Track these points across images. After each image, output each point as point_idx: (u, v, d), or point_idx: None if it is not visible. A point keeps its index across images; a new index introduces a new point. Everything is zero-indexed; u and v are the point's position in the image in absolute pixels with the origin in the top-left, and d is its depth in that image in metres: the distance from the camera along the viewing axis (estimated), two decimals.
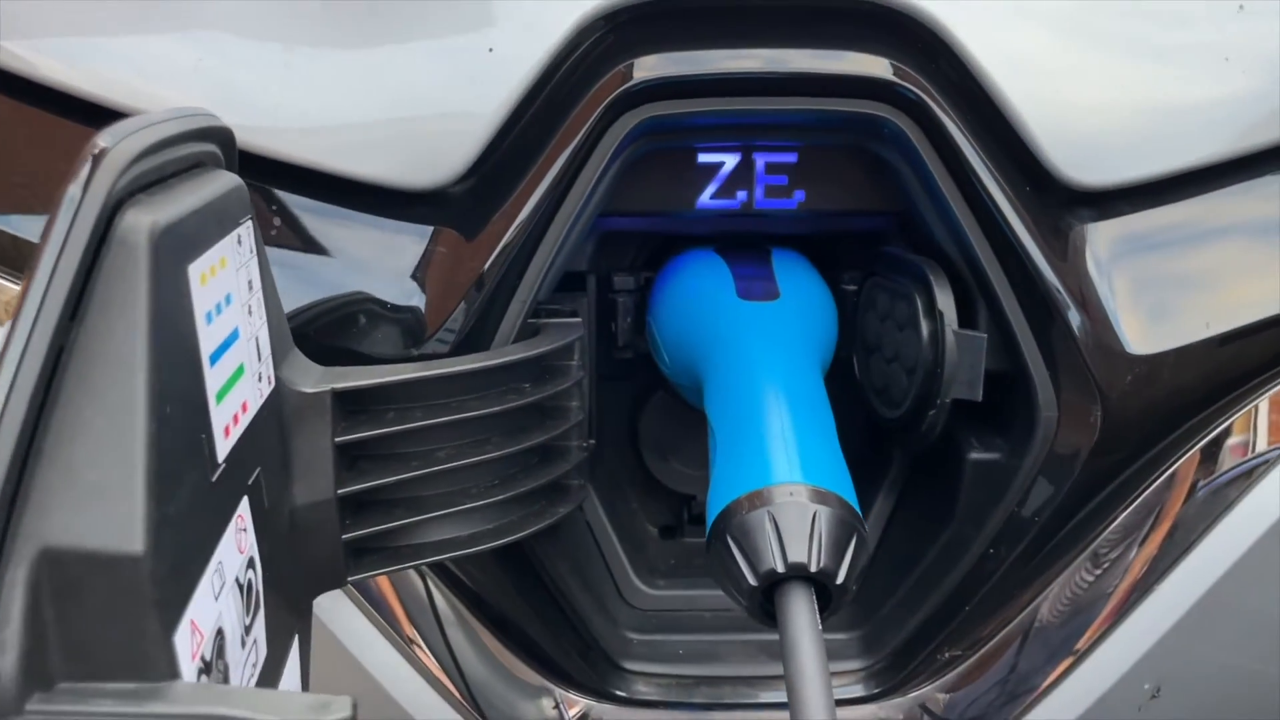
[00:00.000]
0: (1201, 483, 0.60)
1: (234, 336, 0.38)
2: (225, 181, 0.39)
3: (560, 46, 0.55)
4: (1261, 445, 0.60)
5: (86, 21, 0.55)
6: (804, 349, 0.61)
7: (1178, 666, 0.61)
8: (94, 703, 0.29)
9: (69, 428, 0.29)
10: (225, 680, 0.35)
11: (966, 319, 0.60)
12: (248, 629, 0.39)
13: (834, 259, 0.74)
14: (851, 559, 0.45)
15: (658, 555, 0.77)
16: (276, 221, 0.55)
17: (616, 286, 0.72)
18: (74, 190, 0.29)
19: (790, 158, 0.64)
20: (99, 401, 0.29)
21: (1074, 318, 0.56)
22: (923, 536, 0.67)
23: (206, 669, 0.33)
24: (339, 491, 0.48)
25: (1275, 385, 0.60)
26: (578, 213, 0.57)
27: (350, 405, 0.49)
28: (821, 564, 0.44)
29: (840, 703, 0.65)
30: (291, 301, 0.55)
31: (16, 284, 0.54)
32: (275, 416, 0.44)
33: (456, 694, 0.62)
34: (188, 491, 0.32)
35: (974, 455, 0.62)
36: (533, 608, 0.65)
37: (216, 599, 0.35)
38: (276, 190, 0.55)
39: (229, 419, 0.37)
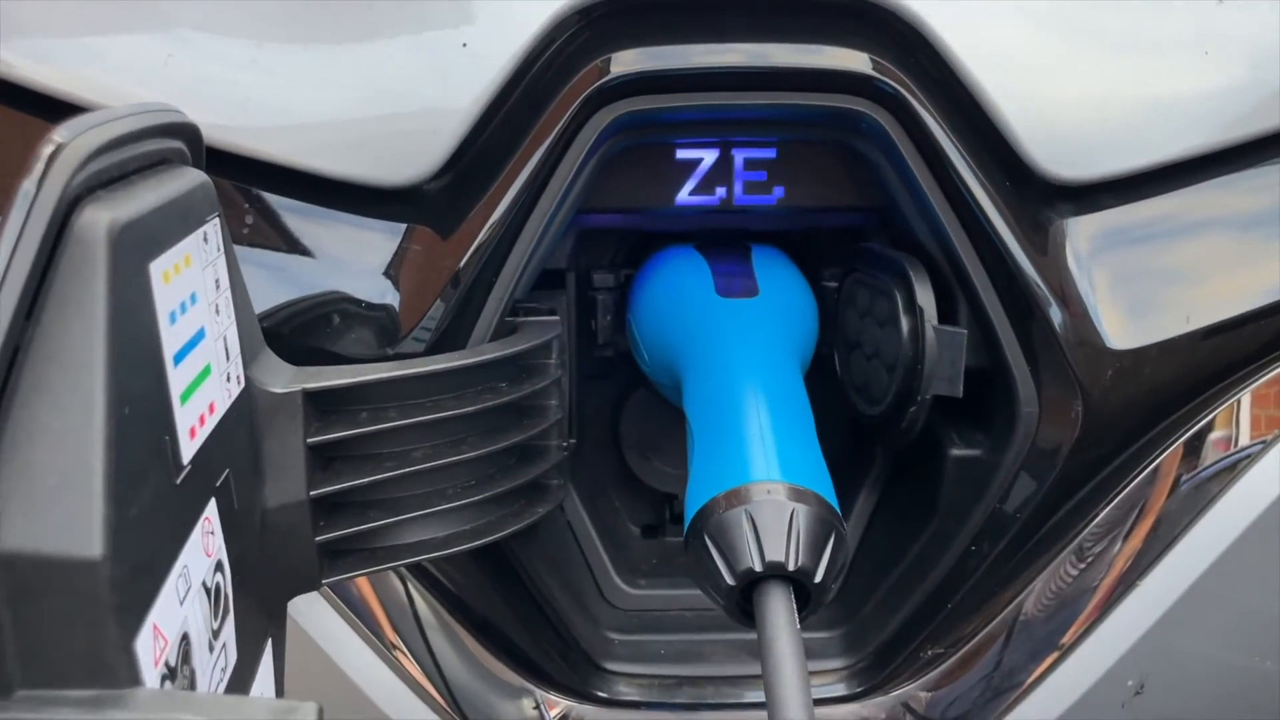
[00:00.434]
0: (1184, 477, 0.60)
1: (200, 336, 0.38)
2: (190, 178, 0.38)
3: (535, 42, 0.54)
4: (1244, 439, 0.60)
5: (54, 18, 0.54)
6: (783, 346, 0.60)
7: (1161, 662, 0.61)
8: (53, 710, 0.28)
9: (25, 430, 0.28)
10: (191, 686, 0.35)
11: (947, 315, 0.60)
12: (216, 633, 0.38)
13: (815, 255, 0.74)
14: (830, 557, 0.45)
15: (640, 555, 0.76)
16: (249, 220, 0.55)
17: (596, 284, 0.71)
18: (28, 186, 0.29)
19: (769, 153, 0.63)
20: (55, 403, 0.29)
21: (1054, 313, 0.56)
22: (905, 534, 0.66)
23: (171, 675, 0.33)
24: (312, 493, 0.47)
25: (1258, 379, 0.60)
26: (554, 209, 0.56)
27: (323, 406, 0.48)
28: (800, 563, 0.44)
29: (822, 702, 0.65)
30: (264, 301, 0.54)
31: None
32: (245, 417, 0.44)
33: (436, 696, 0.62)
34: (150, 494, 0.32)
35: (955, 452, 0.62)
36: (513, 609, 0.64)
37: (182, 603, 0.34)
38: (248, 188, 0.54)
39: (194, 420, 0.36)
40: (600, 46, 0.56)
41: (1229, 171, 0.59)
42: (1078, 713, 0.62)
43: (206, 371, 0.38)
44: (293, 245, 0.55)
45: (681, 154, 0.63)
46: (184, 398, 0.35)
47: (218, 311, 0.40)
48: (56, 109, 0.53)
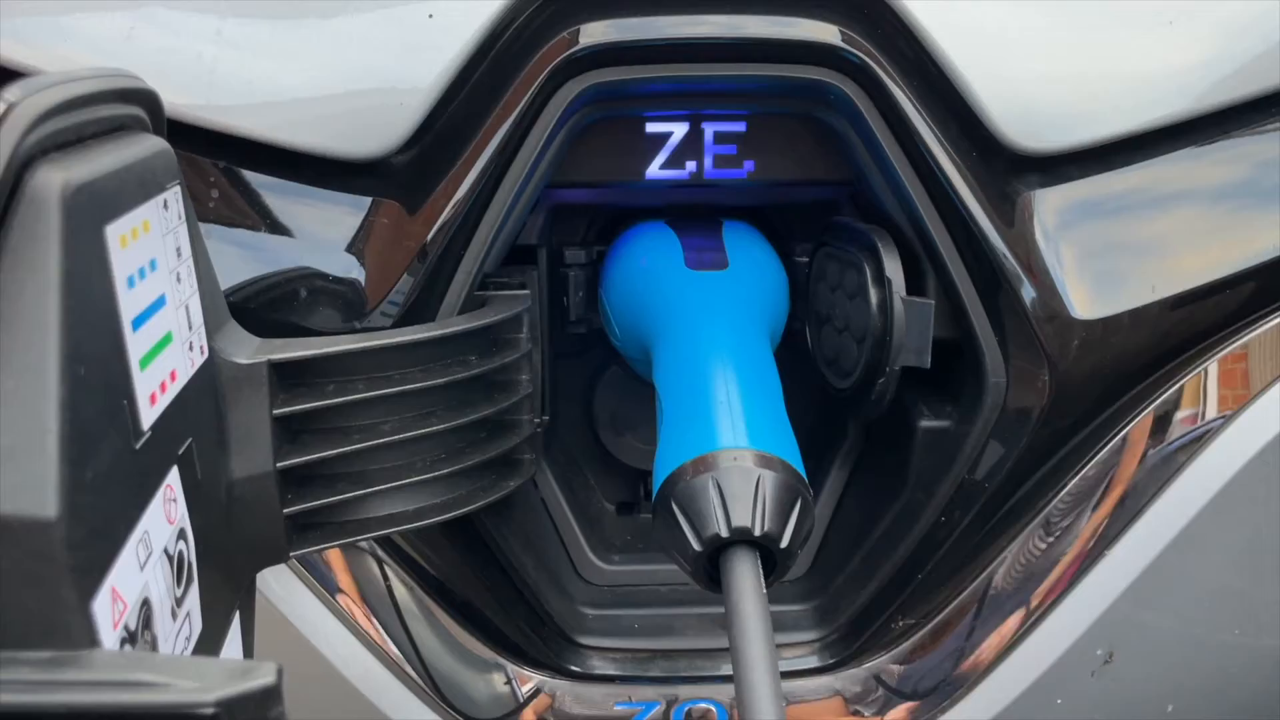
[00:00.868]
0: (1151, 447, 0.60)
1: (160, 303, 0.37)
2: (149, 145, 0.38)
3: (501, 13, 0.54)
4: (1212, 408, 0.60)
5: None
6: (752, 318, 0.60)
7: (1129, 631, 0.62)
8: (9, 670, 0.28)
9: None
10: (153, 650, 0.35)
11: (915, 286, 0.60)
12: (179, 601, 0.38)
13: (787, 230, 0.74)
14: (796, 523, 0.45)
15: (614, 531, 0.77)
16: (214, 194, 0.54)
17: (568, 260, 0.71)
18: None
19: (739, 127, 0.63)
20: (9, 363, 0.28)
21: (1021, 284, 0.56)
22: (877, 506, 0.67)
23: (131, 638, 0.32)
24: (278, 465, 0.47)
25: (1224, 348, 0.60)
26: (522, 182, 0.56)
27: (290, 378, 0.48)
28: (766, 528, 0.44)
29: (795, 674, 0.65)
30: (231, 275, 0.54)
31: None
32: (209, 387, 0.44)
33: (409, 671, 0.62)
34: (107, 457, 0.32)
35: (924, 423, 0.62)
36: (487, 585, 0.64)
37: (142, 568, 0.34)
38: (213, 161, 0.54)
39: (155, 386, 0.36)
40: (568, 18, 0.56)
41: (1194, 143, 0.60)
42: (1047, 682, 0.62)
43: (168, 339, 0.38)
44: (259, 219, 0.54)
45: (651, 127, 0.63)
46: (144, 363, 0.35)
47: (179, 279, 0.40)
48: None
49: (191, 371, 0.41)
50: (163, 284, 0.38)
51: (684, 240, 0.65)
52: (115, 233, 0.33)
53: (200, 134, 0.54)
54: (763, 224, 0.72)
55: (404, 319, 0.55)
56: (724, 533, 0.44)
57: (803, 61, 0.57)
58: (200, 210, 0.54)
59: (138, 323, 0.35)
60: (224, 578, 0.44)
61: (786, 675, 0.65)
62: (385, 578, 0.62)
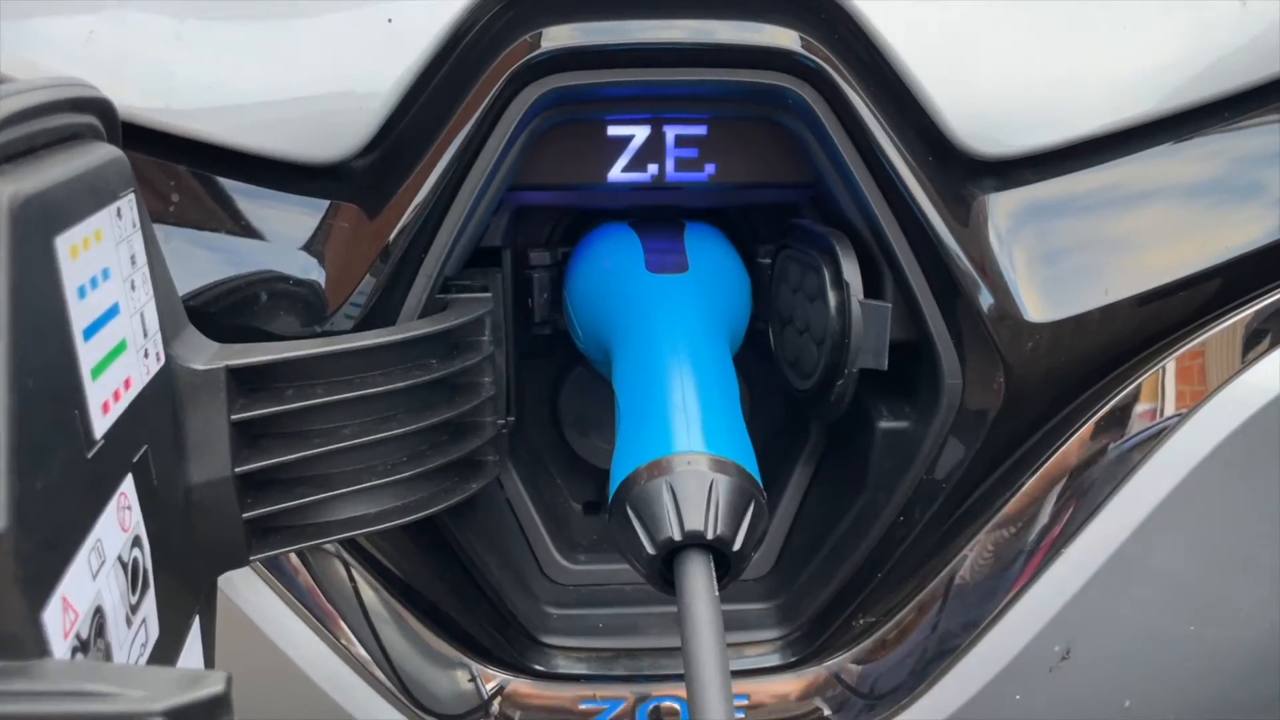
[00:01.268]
0: (1108, 446, 0.61)
1: (113, 312, 0.37)
2: (102, 153, 0.38)
3: (462, 17, 0.54)
4: (1169, 407, 0.61)
5: None
6: (711, 321, 0.61)
7: (1087, 628, 0.62)
8: None
9: None
10: (107, 659, 0.35)
11: (874, 289, 0.61)
12: (134, 608, 0.38)
13: (750, 231, 0.75)
14: (749, 526, 0.46)
15: (580, 531, 0.77)
16: (175, 197, 0.54)
17: (533, 262, 0.71)
18: None
19: (700, 130, 0.64)
20: None
21: (976, 287, 0.57)
22: (838, 505, 0.67)
23: (83, 647, 0.33)
24: (237, 470, 0.47)
25: (1179, 349, 0.61)
26: (483, 186, 0.57)
27: (248, 383, 0.48)
28: (718, 531, 0.45)
29: (756, 672, 0.66)
30: (190, 279, 0.54)
31: None
32: (166, 394, 0.44)
33: (373, 671, 0.62)
34: (58, 468, 0.32)
35: (883, 424, 0.63)
36: (451, 585, 0.65)
37: (95, 577, 0.34)
38: (172, 165, 0.54)
39: (108, 395, 0.36)
40: (529, 21, 0.56)
41: (1148, 147, 0.61)
42: (1006, 678, 0.63)
43: (121, 347, 0.38)
44: (218, 223, 0.54)
45: (613, 130, 0.63)
46: (95, 372, 0.35)
47: (133, 287, 0.40)
48: None
49: (147, 379, 0.41)
50: (116, 293, 0.38)
51: (645, 242, 0.66)
52: (66, 243, 0.34)
53: (160, 137, 0.54)
54: (726, 225, 0.73)
55: (365, 322, 0.55)
56: (677, 536, 0.45)
57: (762, 66, 0.57)
58: (160, 214, 0.54)
59: (89, 332, 0.35)
60: (182, 583, 0.44)
61: (749, 673, 0.66)
62: (350, 579, 0.62)
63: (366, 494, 0.53)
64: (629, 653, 0.67)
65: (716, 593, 0.43)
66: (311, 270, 0.54)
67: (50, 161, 0.34)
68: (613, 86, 0.58)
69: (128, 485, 0.38)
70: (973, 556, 0.63)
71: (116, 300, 0.38)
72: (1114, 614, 0.62)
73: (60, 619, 0.31)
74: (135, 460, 0.39)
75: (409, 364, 0.54)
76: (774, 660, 0.67)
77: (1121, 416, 0.61)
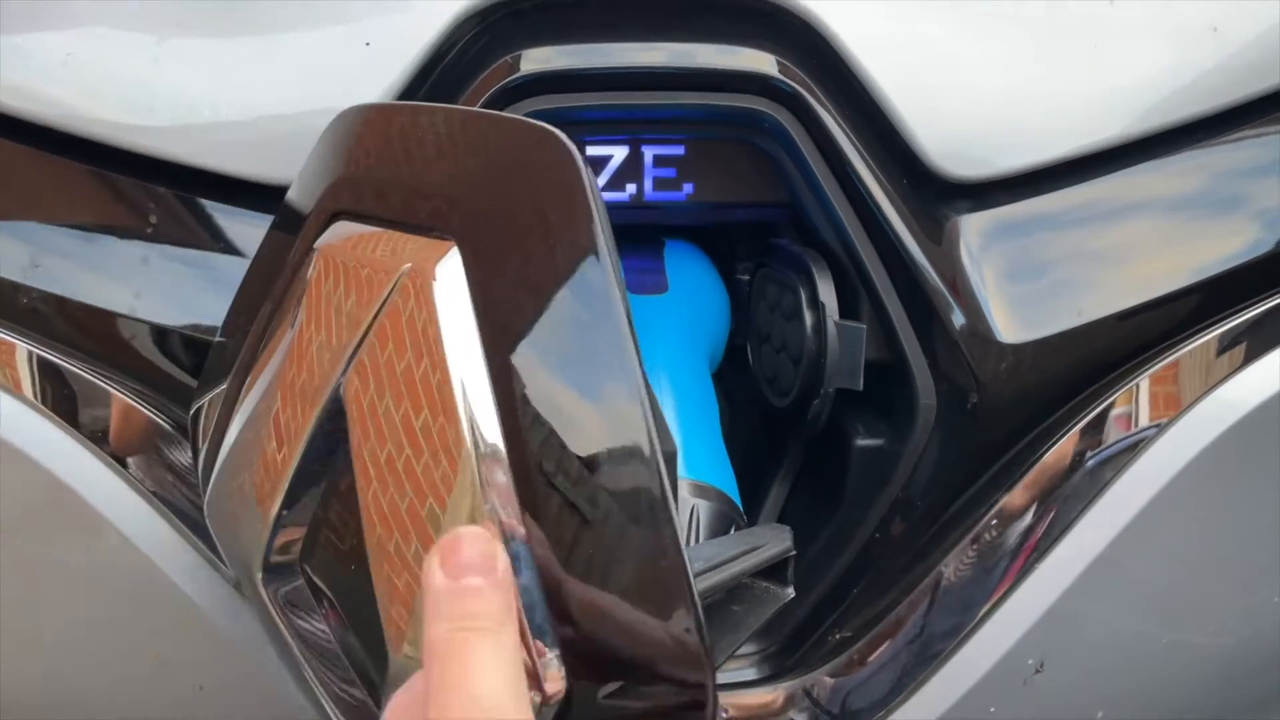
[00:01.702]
0: (1081, 463, 0.62)
1: None
2: None
3: (439, 40, 0.55)
4: (1143, 423, 0.62)
5: None
6: (691, 342, 0.61)
7: (1061, 641, 0.63)
8: None
9: None
10: None
11: (849, 309, 0.61)
12: None
13: (730, 249, 0.75)
14: None
15: None
16: (153, 219, 0.54)
17: None
18: None
19: (679, 150, 0.64)
20: None
21: (949, 308, 0.57)
22: (815, 521, 0.68)
23: None
24: None
25: (1154, 365, 0.62)
26: None
27: None
28: None
29: (734, 686, 0.66)
30: (168, 299, 0.54)
31: None
32: None
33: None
34: None
35: (859, 442, 0.64)
36: None
37: None
38: (151, 186, 0.54)
39: None
40: (508, 43, 0.56)
41: (1121, 169, 0.61)
42: (980, 692, 0.63)
43: None
44: (198, 243, 0.55)
45: (591, 150, 0.64)
46: None
47: None
48: None
49: None
50: None
51: (625, 262, 0.66)
52: None
53: (139, 159, 0.54)
54: (706, 242, 0.73)
55: None
56: None
57: (739, 90, 0.58)
58: (139, 234, 0.54)
59: None
60: None
61: (724, 687, 0.66)
62: None
63: None
64: None
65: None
66: None
67: None
68: (592, 109, 0.58)
69: None
70: (948, 572, 0.63)
71: None
72: (1087, 627, 0.63)
73: None
74: None
75: None
76: (750, 674, 0.67)
77: (1096, 433, 0.62)
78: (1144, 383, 0.61)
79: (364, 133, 0.42)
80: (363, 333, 0.37)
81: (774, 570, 0.47)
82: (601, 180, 0.64)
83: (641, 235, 0.71)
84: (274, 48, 0.55)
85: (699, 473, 0.49)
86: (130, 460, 0.57)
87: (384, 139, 0.41)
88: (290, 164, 0.54)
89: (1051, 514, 0.62)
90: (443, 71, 0.56)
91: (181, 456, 0.57)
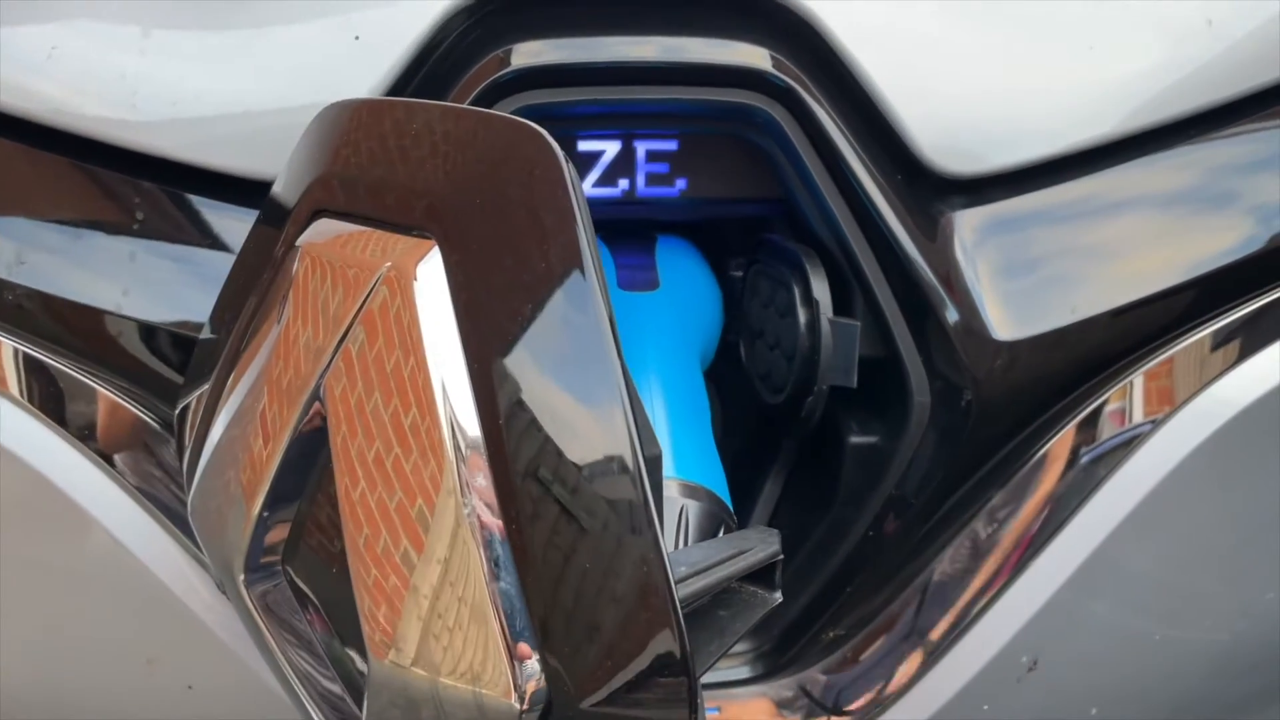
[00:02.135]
0: (1075, 460, 0.62)
1: None
2: None
3: (429, 33, 0.54)
4: (1137, 420, 0.62)
5: None
6: (683, 340, 0.61)
7: (1054, 638, 0.63)
8: None
9: None
10: None
11: (843, 306, 0.61)
12: None
13: (723, 244, 0.75)
14: None
15: None
16: (139, 215, 0.54)
17: None
18: None
19: (671, 145, 0.64)
20: None
21: (943, 305, 0.57)
22: (809, 519, 0.68)
23: None
24: None
25: (1149, 362, 0.61)
26: None
27: None
28: None
29: (728, 684, 0.66)
30: (156, 295, 0.54)
31: None
32: None
33: None
34: None
35: (853, 439, 0.63)
36: None
37: None
38: (137, 181, 0.54)
39: None
40: (499, 37, 0.56)
41: (1116, 165, 0.61)
42: (973, 690, 0.63)
43: None
44: (185, 239, 0.54)
45: (583, 146, 0.63)
46: None
47: None
48: None
49: None
50: None
51: (617, 258, 0.66)
52: None
53: (125, 153, 0.54)
54: (698, 238, 0.73)
55: None
56: None
57: (732, 85, 0.57)
58: (125, 229, 0.54)
59: None
60: None
61: (718, 685, 0.66)
62: None
63: None
64: None
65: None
66: None
67: None
68: (583, 104, 0.58)
69: None
70: (941, 569, 0.63)
71: None
72: (1080, 624, 0.63)
73: None
74: None
75: None
76: (744, 673, 0.67)
77: (1090, 429, 0.61)
78: (1138, 379, 0.61)
79: (348, 128, 0.42)
80: (344, 331, 0.37)
81: (762, 574, 0.47)
82: (593, 175, 0.64)
83: (633, 231, 0.71)
84: (261, 41, 0.55)
85: (688, 472, 0.48)
86: (117, 458, 0.56)
87: (367, 135, 0.40)
88: (278, 159, 0.54)
89: (1046, 511, 0.62)
90: (433, 66, 0.55)
91: (169, 455, 0.57)
